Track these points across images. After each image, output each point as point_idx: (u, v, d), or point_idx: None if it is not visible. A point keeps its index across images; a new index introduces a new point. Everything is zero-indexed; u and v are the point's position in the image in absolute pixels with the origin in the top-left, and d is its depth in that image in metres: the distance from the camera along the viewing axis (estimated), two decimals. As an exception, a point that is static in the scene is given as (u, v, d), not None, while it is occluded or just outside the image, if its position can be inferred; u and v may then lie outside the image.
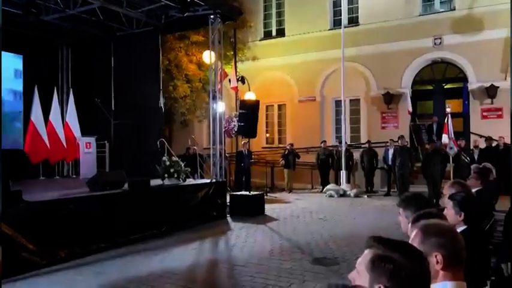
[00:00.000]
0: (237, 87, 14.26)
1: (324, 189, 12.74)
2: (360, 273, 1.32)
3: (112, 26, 10.71)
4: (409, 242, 1.78)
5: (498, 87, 12.85)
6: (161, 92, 10.97)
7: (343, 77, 13.10)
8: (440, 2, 14.22)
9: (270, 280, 4.95)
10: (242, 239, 7.22)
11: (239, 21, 14.18)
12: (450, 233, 1.69)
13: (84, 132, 10.02)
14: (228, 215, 9.22)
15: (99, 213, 6.52)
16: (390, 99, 14.38)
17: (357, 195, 12.12)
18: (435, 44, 13.86)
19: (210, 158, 9.79)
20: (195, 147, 12.87)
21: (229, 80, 14.20)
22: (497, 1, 12.67)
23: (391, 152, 12.17)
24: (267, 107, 16.90)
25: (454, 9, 13.83)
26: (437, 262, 1.64)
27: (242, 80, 14.64)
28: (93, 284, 4.98)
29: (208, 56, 10.56)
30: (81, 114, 10.14)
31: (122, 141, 10.55)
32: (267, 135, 17.31)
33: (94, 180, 7.28)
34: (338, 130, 14.89)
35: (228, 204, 9.46)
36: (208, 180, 9.44)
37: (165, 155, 9.08)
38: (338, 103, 15.03)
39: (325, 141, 14.03)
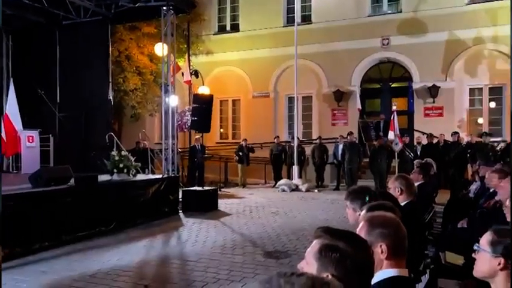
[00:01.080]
0: (190, 81, 14.06)
1: (277, 184, 12.92)
2: (309, 263, 1.35)
3: (57, 14, 10.16)
4: (356, 232, 1.86)
5: (439, 87, 13.63)
6: (110, 84, 10.58)
7: (296, 74, 13.32)
8: (388, 4, 14.82)
9: (221, 274, 4.96)
10: (194, 234, 7.16)
11: (192, 14, 13.98)
12: (394, 224, 1.78)
13: (26, 125, 9.44)
14: (180, 211, 9.10)
15: (43, 211, 6.19)
16: (340, 96, 14.83)
17: (308, 190, 12.39)
18: (383, 44, 14.44)
19: (162, 153, 9.60)
20: (146, 142, 12.56)
21: (182, 74, 13.97)
22: (440, 5, 13.44)
23: (340, 147, 12.56)
24: (221, 102, 16.83)
25: (401, 11, 14.47)
26: (382, 252, 1.72)
27: (196, 74, 14.47)
28: (36, 283, 4.74)
29: (160, 49, 10.33)
30: (23, 106, 9.53)
31: (67, 135, 10.09)
32: (221, 130, 17.26)
33: (37, 176, 6.89)
34: (291, 126, 15.12)
35: (181, 200, 9.34)
36: (160, 176, 9.25)
37: (114, 149, 8.78)
38: (291, 99, 15.26)
39: (278, 137, 14.21)
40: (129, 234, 7.10)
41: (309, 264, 1.35)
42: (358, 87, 14.79)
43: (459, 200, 6.43)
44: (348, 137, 12.50)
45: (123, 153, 8.60)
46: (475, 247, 1.89)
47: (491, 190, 4.88)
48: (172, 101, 9.68)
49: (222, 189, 12.23)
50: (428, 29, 13.77)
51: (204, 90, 14.01)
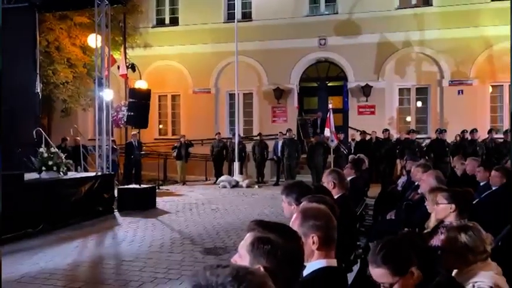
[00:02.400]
0: (126, 74, 13.58)
1: (218, 181, 12.89)
2: (241, 256, 1.36)
3: (-24, -2, 9.27)
4: (290, 224, 1.90)
5: (372, 86, 14.37)
6: (38, 76, 9.88)
7: (237, 70, 13.34)
8: (325, 5, 15.33)
9: (159, 273, 4.85)
10: (131, 233, 6.93)
11: (129, 6, 13.49)
12: (326, 216, 1.84)
13: None
14: (115, 210, 8.75)
15: (-42, 213, 5.64)
16: (280, 94, 15.11)
17: (248, 186, 12.51)
18: (320, 44, 14.92)
19: (96, 149, 9.17)
20: (78, 138, 11.92)
21: (118, 67, 13.45)
22: (372, 8, 14.14)
23: (280, 144, 12.82)
24: (159, 97, 16.41)
25: (337, 12, 15.03)
26: (314, 243, 1.78)
27: (132, 67, 13.99)
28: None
29: (93, 40, 9.83)
30: None
31: (-11, 130, 9.26)
32: (160, 126, 16.85)
33: (-48, 175, 6.26)
34: (232, 122, 15.14)
35: (116, 198, 8.98)
36: (93, 174, 8.83)
37: (43, 146, 8.22)
38: (232, 96, 15.27)
39: (219, 133, 14.17)
40: (60, 235, 6.70)
41: (242, 257, 1.36)
42: (296, 85, 15.16)
43: (388, 193, 6.83)
44: (287, 133, 12.80)
45: (52, 150, 8.09)
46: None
47: (416, 183, 5.24)
48: (107, 95, 9.27)
49: (161, 187, 11.95)
50: (362, 31, 14.44)
51: (141, 84, 13.57)
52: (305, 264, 1.86)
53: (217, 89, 15.98)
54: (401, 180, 7.13)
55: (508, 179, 4.99)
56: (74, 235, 6.75)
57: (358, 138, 13.07)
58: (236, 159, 13.10)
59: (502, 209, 4.07)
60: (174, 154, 13.41)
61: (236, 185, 12.54)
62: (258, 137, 13.72)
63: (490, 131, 11.57)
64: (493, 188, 4.89)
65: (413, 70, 14.51)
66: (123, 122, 12.52)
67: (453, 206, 2.83)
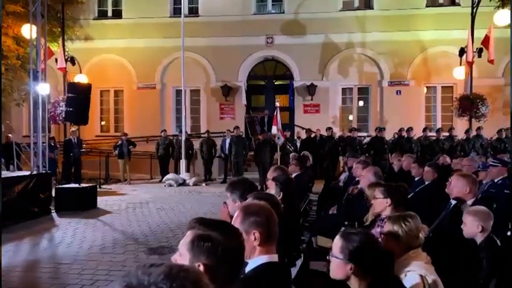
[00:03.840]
0: (65, 68, 12.88)
1: (163, 179, 12.62)
2: (182, 254, 1.34)
3: None
4: (233, 221, 1.90)
5: (317, 86, 14.76)
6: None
7: (183, 66, 13.09)
8: (272, 4, 15.50)
9: (99, 275, 4.66)
10: (69, 235, 6.60)
11: (68, -4, 12.79)
12: (267, 212, 1.86)
13: None
14: (53, 211, 8.28)
15: None
16: (228, 91, 15.08)
17: (195, 184, 12.36)
18: (267, 42, 15.07)
19: (31, 147, 8.61)
20: (11, 135, 11.12)
21: (56, 60, 12.72)
22: (317, 9, 14.51)
23: (227, 141, 12.79)
24: (101, 92, 15.76)
25: (284, 12, 15.26)
26: (255, 239, 1.79)
27: (72, 60, 13.30)
28: None
29: (28, 30, 9.21)
30: None
31: None
32: (102, 122, 16.17)
33: None
34: (179, 119, 14.87)
35: (54, 198, 8.49)
36: (28, 173, 8.29)
37: (-31, 143, 7.59)
38: (179, 92, 14.99)
39: (165, 131, 13.86)
40: (-11, 240, 6.22)
41: (182, 256, 1.34)
42: (244, 83, 15.21)
43: (331, 189, 7.06)
44: (235, 131, 12.79)
45: (-20, 147, 7.48)
46: (328, 257, 1.98)
47: (356, 179, 5.46)
48: (43, 89, 8.72)
49: (102, 186, 11.48)
50: (307, 31, 14.78)
51: (81, 78, 12.94)
52: (247, 260, 1.88)
53: (163, 84, 15.63)
54: (343, 176, 7.40)
55: (439, 174, 5.35)
56: (6, 238, 6.28)
57: (303, 136, 13.37)
58: (183, 157, 12.89)
59: (434, 202, 4.37)
60: (116, 153, 12.93)
61: (183, 184, 12.34)
62: (205, 134, 13.60)
63: (424, 129, 12.32)
64: (426, 183, 5.21)
65: (356, 71, 15.09)
66: (61, 118, 11.87)
67: (389, 200, 2.98)
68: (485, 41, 11.66)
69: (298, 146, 12.62)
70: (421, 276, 1.98)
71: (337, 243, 1.90)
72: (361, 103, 15.33)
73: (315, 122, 13.96)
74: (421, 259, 2.09)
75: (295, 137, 13.66)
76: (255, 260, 1.81)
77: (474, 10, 12.14)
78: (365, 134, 14.24)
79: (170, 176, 12.57)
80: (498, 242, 2.93)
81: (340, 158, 12.01)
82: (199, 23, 14.93)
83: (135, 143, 13.23)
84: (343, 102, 15.40)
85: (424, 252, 2.16)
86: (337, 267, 1.88)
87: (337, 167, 12.28)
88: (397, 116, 13.90)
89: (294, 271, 3.61)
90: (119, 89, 15.94)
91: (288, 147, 12.60)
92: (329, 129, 12.97)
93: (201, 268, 1.29)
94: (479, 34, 11.84)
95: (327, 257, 1.94)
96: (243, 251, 1.41)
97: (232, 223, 1.88)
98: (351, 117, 15.38)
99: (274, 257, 1.83)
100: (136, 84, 15.57)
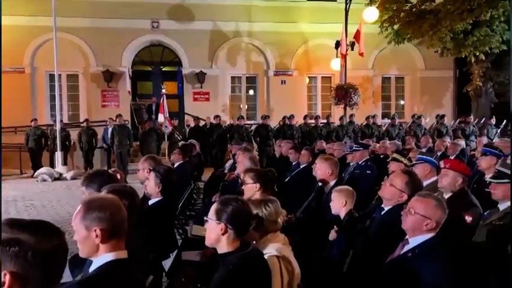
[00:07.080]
0: None
1: (36, 174, 11.37)
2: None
3: None
4: (73, 217, 1.70)
5: (206, 73, 14.65)
6: None
7: (56, 48, 11.79)
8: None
9: None
10: None
11: None
12: (111, 206, 1.69)
13: None
14: None
15: None
16: (110, 77, 14.11)
17: (74, 178, 11.35)
18: (153, 26, 14.42)
19: None
20: None
21: None
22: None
23: (110, 131, 11.98)
24: (-45, 75, 13.47)
25: (170, -4, 14.71)
26: (97, 236, 1.62)
27: None
28: None
29: None
30: None
31: None
32: (-43, 111, 13.88)
33: None
34: (53, 107, 13.47)
35: None
36: None
37: None
38: (53, 77, 13.53)
39: (36, 120, 12.44)
40: None
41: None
42: (129, 68, 14.38)
43: (216, 176, 7.07)
44: (117, 119, 12.01)
45: None
46: (205, 218, 2.03)
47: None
48: None
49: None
50: (195, 17, 14.50)
51: None
52: (92, 259, 1.70)
53: (34, 68, 13.98)
54: (228, 164, 7.47)
55: (314, 158, 5.69)
56: None
57: (192, 124, 13.19)
58: (58, 149, 11.75)
59: (307, 184, 4.62)
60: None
61: (59, 178, 11.28)
62: (84, 124, 12.56)
63: (305, 117, 13.08)
64: (301, 166, 5.50)
65: (244, 60, 15.33)
66: None
67: (258, 185, 3.02)
68: (357, 35, 12.76)
69: (187, 135, 12.41)
70: (277, 257, 2.04)
71: (213, 207, 1.99)
72: (251, 92, 15.67)
73: (205, 110, 13.87)
74: (278, 241, 2.15)
75: (185, 125, 13.41)
76: (98, 258, 1.65)
77: (347, 6, 13.16)
78: (253, 122, 14.62)
79: (43, 170, 11.38)
80: (357, 214, 3.19)
81: (229, 145, 12.13)
82: (76, 1, 13.58)
83: None
84: (232, 91, 15.56)
85: (282, 234, 2.23)
86: (210, 230, 1.96)
87: (225, 155, 12.39)
88: (283, 104, 14.52)
89: (168, 263, 3.50)
90: (-22, 72, 13.80)
91: (176, 135, 12.32)
92: (217, 117, 12.98)
93: (7, 277, 1.10)
94: (352, 29, 12.91)
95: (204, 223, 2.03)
96: (65, 253, 1.24)
97: (73, 220, 1.69)
98: (241, 106, 15.63)
99: (122, 254, 1.68)
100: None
